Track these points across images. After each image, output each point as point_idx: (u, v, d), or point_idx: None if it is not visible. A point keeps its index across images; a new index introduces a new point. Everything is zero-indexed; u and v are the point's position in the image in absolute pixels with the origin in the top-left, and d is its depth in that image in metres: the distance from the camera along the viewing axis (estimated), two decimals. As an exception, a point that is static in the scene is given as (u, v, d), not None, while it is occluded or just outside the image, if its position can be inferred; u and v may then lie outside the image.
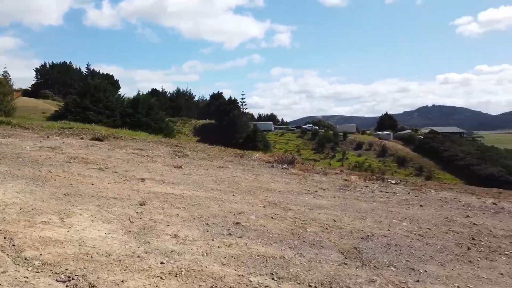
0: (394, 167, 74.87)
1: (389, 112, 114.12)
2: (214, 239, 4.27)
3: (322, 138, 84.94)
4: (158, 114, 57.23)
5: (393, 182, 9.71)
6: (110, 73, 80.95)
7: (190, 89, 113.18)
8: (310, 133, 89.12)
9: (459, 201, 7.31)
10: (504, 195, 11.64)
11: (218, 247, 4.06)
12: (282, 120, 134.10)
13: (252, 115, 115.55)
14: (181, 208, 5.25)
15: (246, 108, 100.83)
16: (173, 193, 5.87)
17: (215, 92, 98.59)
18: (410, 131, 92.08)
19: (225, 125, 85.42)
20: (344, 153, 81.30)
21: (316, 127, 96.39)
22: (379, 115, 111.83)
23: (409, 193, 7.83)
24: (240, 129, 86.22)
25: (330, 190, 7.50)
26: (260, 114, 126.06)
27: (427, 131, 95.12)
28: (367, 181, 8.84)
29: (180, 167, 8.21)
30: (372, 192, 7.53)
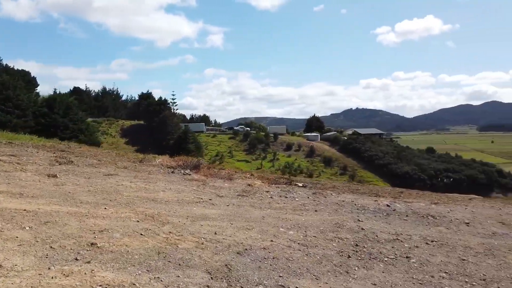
0: (321, 167, 78.17)
1: (317, 114, 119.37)
2: (52, 267, 3.51)
3: (254, 140, 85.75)
4: (77, 115, 52.96)
5: (300, 185, 9.59)
6: (27, 69, 72.85)
7: (117, 88, 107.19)
8: (242, 134, 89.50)
9: (355, 204, 7.31)
10: (405, 194, 12.26)
11: (52, 277, 3.31)
12: (215, 121, 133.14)
13: (184, 116, 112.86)
14: (27, 228, 4.36)
15: (177, 109, 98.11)
16: (25, 209, 4.93)
17: (146, 91, 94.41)
18: (335, 132, 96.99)
19: (154, 126, 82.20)
20: (275, 154, 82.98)
21: (248, 128, 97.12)
22: (308, 117, 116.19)
23: (308, 197, 7.70)
24: (171, 130, 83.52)
25: (227, 197, 7.06)
26: (192, 115, 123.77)
27: (350, 132, 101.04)
28: (272, 185, 8.58)
29: (55, 176, 7.18)
30: (271, 197, 7.24)
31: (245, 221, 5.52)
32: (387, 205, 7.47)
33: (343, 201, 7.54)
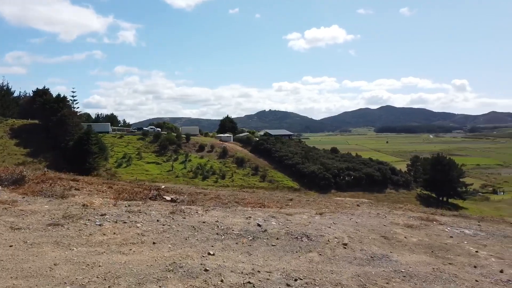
0: (233, 167, 77.50)
1: (232, 116, 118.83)
2: None
3: (165, 141, 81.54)
4: None
5: (168, 199, 7.82)
6: None
7: (7, 83, 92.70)
8: (152, 135, 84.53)
9: (218, 226, 5.85)
10: (294, 202, 11.32)
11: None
12: (124, 121, 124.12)
13: (88, 115, 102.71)
14: None
15: (78, 107, 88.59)
16: None
17: (45, 87, 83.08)
18: (248, 133, 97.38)
19: (51, 126, 72.82)
20: (187, 155, 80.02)
21: (159, 129, 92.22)
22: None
23: (159, 220, 5.97)
24: (71, 130, 74.89)
25: (26, 229, 4.94)
26: (98, 115, 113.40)
27: (262, 133, 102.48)
28: (121, 203, 6.64)
29: None
30: (101, 225, 5.36)
31: (18, 274, 3.51)
32: (258, 225, 6.10)
33: (204, 222, 5.98)
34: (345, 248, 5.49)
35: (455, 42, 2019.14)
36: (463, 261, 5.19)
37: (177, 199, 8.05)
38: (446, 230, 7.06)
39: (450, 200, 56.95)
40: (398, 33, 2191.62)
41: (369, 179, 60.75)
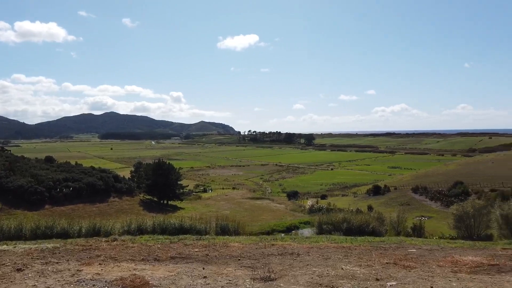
0: None
1: None
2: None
3: None
4: None
5: None
6: None
7: None
8: None
9: None
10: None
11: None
12: None
13: None
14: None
15: None
16: None
17: None
18: None
19: None
20: None
21: None
22: None
23: None
24: None
25: None
26: None
27: None
28: None
29: None
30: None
31: None
32: None
33: None
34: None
35: (171, 59, 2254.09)
36: None
37: None
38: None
39: (170, 202, 61.47)
40: (121, 41, 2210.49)
41: (91, 189, 56.68)
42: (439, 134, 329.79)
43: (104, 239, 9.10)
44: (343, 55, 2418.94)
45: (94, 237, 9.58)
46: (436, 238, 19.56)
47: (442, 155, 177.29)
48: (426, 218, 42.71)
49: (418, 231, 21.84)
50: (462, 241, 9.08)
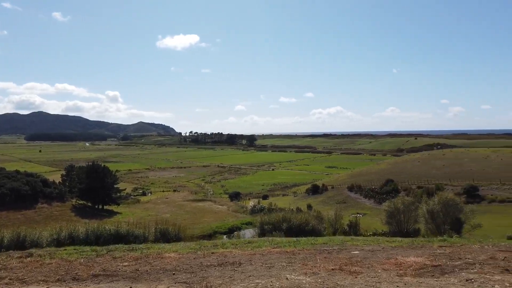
0: None
1: None
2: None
3: None
4: None
5: None
6: None
7: None
8: None
9: None
10: None
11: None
12: None
13: None
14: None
15: None
16: None
17: None
18: None
19: None
20: None
21: None
22: None
23: None
24: None
25: None
26: None
27: None
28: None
29: None
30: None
31: None
32: None
33: None
34: None
35: (107, 57, 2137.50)
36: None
37: None
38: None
39: (105, 207, 57.80)
40: (51, 37, 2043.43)
41: (16, 195, 51.29)
42: (371, 135, 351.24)
43: (17, 254, 7.86)
44: (283, 57, 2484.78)
45: (6, 253, 8.26)
46: (371, 235, 20.19)
47: (374, 154, 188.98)
48: (361, 215, 44.87)
49: (354, 228, 22.51)
50: (400, 238, 9.30)
